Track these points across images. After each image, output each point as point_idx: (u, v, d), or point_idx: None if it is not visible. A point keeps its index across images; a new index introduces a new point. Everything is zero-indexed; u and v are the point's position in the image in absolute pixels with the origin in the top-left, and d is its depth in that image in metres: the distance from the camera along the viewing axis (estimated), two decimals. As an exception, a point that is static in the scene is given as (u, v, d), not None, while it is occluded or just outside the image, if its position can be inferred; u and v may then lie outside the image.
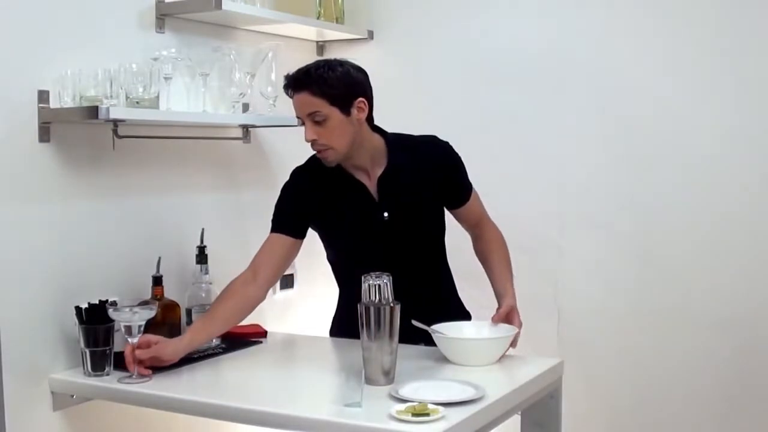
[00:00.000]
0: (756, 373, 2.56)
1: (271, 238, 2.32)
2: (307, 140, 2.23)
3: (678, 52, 2.60)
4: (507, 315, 2.25)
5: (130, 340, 2.09)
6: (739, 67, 2.53)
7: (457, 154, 2.38)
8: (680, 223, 2.63)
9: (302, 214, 2.33)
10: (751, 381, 2.57)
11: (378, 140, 2.32)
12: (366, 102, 2.24)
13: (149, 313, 2.11)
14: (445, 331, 2.21)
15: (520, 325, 2.23)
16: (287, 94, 2.25)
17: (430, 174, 2.34)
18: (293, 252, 2.35)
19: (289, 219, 2.33)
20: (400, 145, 2.34)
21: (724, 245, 2.58)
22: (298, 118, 2.27)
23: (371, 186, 2.32)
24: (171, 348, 2.15)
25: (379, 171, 2.31)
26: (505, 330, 2.22)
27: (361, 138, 2.26)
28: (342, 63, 2.24)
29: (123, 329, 2.09)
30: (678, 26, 2.60)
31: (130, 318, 2.08)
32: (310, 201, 2.33)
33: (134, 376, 2.08)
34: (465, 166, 2.39)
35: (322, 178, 2.32)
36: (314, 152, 2.30)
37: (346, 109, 2.21)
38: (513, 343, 2.21)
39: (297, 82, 2.21)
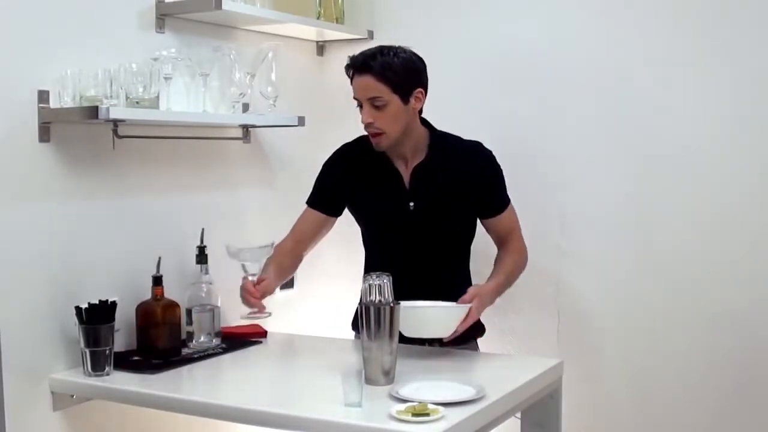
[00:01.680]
0: (757, 372, 2.56)
1: (307, 212, 2.46)
2: (363, 122, 2.27)
3: (680, 52, 2.60)
4: (470, 298, 2.22)
5: (250, 277, 2.23)
6: (740, 66, 2.53)
7: (498, 165, 2.42)
8: (681, 222, 2.63)
9: (338, 191, 2.43)
10: (752, 381, 2.57)
11: (423, 132, 2.37)
12: (423, 92, 2.30)
13: (269, 250, 2.27)
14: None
15: (477, 310, 2.21)
16: (348, 74, 2.29)
17: (467, 177, 2.36)
18: (327, 227, 2.47)
19: (325, 196, 2.44)
20: (444, 142, 2.39)
21: (724, 245, 2.58)
22: (356, 99, 2.29)
23: (406, 175, 2.35)
24: (273, 285, 2.32)
25: (416, 162, 2.35)
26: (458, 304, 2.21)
27: (411, 127, 2.31)
28: (405, 50, 2.29)
29: (246, 268, 2.25)
30: (681, 26, 2.60)
31: (251, 256, 2.24)
32: (347, 179, 2.40)
33: (256, 311, 2.23)
34: (504, 178, 2.42)
35: (362, 159, 2.39)
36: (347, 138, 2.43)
37: (405, 98, 2.26)
38: (462, 324, 2.18)
39: (362, 65, 2.24)
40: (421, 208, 2.34)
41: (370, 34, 3.06)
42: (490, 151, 2.42)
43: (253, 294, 2.22)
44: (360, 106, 2.29)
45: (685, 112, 2.61)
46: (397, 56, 2.25)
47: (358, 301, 2.43)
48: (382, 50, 2.27)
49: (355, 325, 2.50)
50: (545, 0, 2.78)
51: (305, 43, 3.06)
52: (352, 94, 3.03)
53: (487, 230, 2.46)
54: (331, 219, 2.46)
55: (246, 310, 2.29)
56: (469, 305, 2.20)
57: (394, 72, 2.24)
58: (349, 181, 2.41)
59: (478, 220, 2.46)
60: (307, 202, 2.47)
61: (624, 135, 2.69)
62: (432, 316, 2.19)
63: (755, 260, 2.55)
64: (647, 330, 2.69)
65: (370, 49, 2.28)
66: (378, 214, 2.37)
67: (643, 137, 2.66)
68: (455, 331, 2.20)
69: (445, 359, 2.27)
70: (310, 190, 2.50)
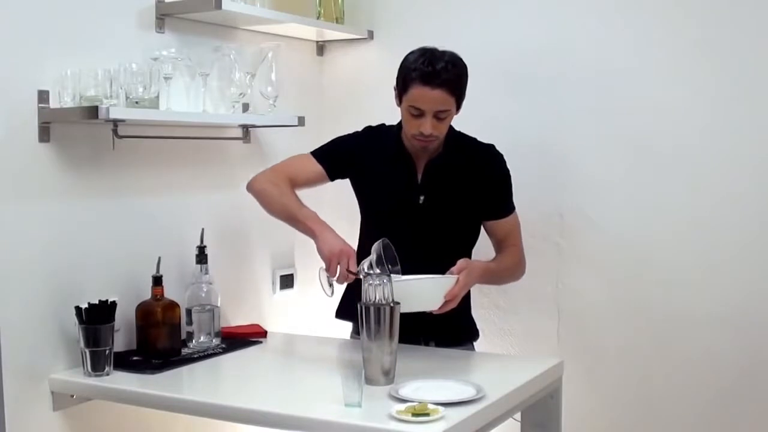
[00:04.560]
0: (757, 372, 2.56)
1: (309, 161, 2.43)
2: (425, 134, 2.26)
3: (681, 52, 2.60)
4: (458, 270, 2.20)
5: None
6: (744, 68, 2.52)
7: (507, 169, 2.44)
8: (680, 222, 2.63)
9: (349, 163, 2.42)
10: (752, 380, 2.57)
11: None
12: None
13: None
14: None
15: (464, 285, 2.18)
16: (412, 83, 2.24)
17: (477, 177, 2.38)
18: (317, 184, 2.44)
19: (335, 157, 2.43)
20: (459, 141, 2.41)
21: (724, 244, 2.58)
22: (416, 108, 2.25)
23: (420, 169, 2.38)
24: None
25: (431, 158, 2.37)
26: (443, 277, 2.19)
27: None
28: (453, 54, 2.28)
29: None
30: (683, 27, 2.59)
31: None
32: (363, 159, 2.39)
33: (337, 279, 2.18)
34: (512, 184, 2.44)
35: (384, 145, 2.40)
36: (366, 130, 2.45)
37: (458, 107, 2.29)
38: (450, 293, 2.16)
39: (437, 79, 2.22)
40: (431, 203, 2.35)
41: (370, 34, 3.06)
42: (501, 155, 2.44)
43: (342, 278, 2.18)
44: (417, 115, 2.25)
45: (686, 113, 2.60)
46: (461, 67, 2.27)
47: (345, 288, 2.45)
48: (452, 61, 2.24)
49: (341, 313, 2.50)
50: (545, 0, 2.78)
51: (305, 43, 3.06)
52: (351, 94, 3.07)
53: (488, 233, 2.46)
54: (325, 180, 2.44)
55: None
56: (456, 276, 2.18)
57: (461, 86, 2.27)
58: (363, 161, 2.41)
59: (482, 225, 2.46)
60: (314, 154, 2.44)
61: (624, 135, 2.69)
62: (419, 288, 2.16)
63: (755, 260, 2.54)
64: (647, 330, 2.69)
65: (431, 55, 2.23)
66: (386, 204, 2.37)
67: (644, 138, 2.66)
68: (444, 303, 2.16)
69: (445, 359, 2.27)
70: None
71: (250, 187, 2.44)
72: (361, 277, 2.12)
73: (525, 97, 2.81)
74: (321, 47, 3.13)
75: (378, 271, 2.10)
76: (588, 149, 2.74)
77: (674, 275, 2.64)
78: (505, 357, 2.68)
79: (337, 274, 2.18)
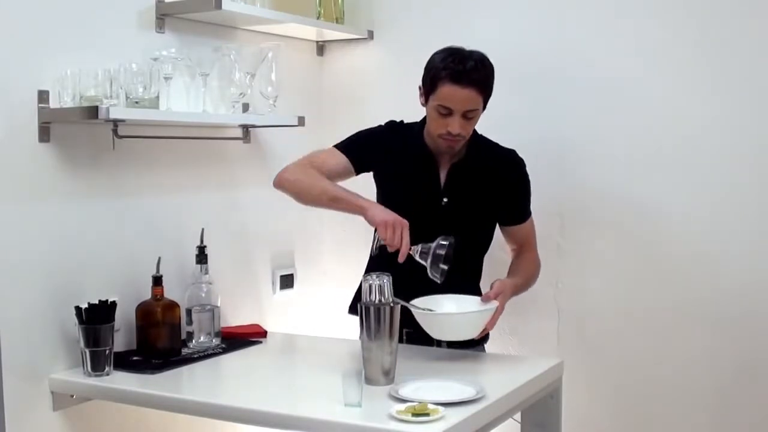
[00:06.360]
0: (756, 373, 2.56)
1: (338, 155, 2.37)
2: (453, 133, 2.25)
3: (681, 51, 2.60)
4: (495, 294, 2.22)
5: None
6: (744, 67, 2.52)
7: (527, 175, 2.44)
8: (680, 222, 2.63)
9: (373, 157, 2.38)
10: (752, 381, 2.57)
11: None
12: None
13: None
14: (424, 305, 2.19)
15: (501, 310, 2.21)
16: (441, 82, 2.23)
17: (499, 182, 2.39)
18: (345, 175, 2.38)
19: (361, 151, 2.37)
20: (482, 145, 2.41)
21: (724, 245, 2.58)
22: (443, 107, 2.25)
23: (443, 171, 2.37)
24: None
25: (455, 160, 2.37)
26: (484, 306, 2.21)
27: None
28: (482, 54, 2.28)
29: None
30: (682, 27, 2.59)
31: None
32: (386, 157, 2.37)
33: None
34: (531, 190, 2.45)
35: (407, 143, 2.38)
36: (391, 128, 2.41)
37: (484, 107, 2.29)
38: (490, 322, 2.19)
39: (467, 78, 2.21)
40: (454, 205, 2.35)
41: (370, 34, 3.06)
42: (522, 160, 2.44)
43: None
44: (446, 114, 2.25)
45: (686, 112, 2.60)
46: (486, 65, 2.26)
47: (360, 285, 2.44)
48: (481, 62, 2.24)
49: (353, 309, 2.48)
50: (546, 1, 2.78)
51: (305, 43, 3.06)
52: (351, 94, 3.07)
53: (507, 238, 2.49)
54: (351, 174, 2.39)
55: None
56: (496, 304, 2.19)
57: (490, 86, 2.27)
58: (386, 158, 2.39)
59: (498, 228, 2.47)
60: (339, 147, 2.39)
61: (625, 135, 2.69)
62: (464, 321, 2.19)
63: (755, 259, 2.54)
64: (647, 330, 2.69)
65: (459, 54, 2.23)
66: (408, 205, 2.30)
67: (644, 137, 2.66)
68: (483, 330, 2.21)
69: (444, 359, 2.27)
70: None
71: (281, 181, 2.36)
72: (415, 255, 2.15)
73: (525, 97, 2.81)
74: (321, 47, 3.13)
75: (432, 245, 2.15)
76: (588, 149, 2.74)
77: (674, 275, 2.64)
78: (505, 357, 2.68)
79: (394, 241, 2.13)
